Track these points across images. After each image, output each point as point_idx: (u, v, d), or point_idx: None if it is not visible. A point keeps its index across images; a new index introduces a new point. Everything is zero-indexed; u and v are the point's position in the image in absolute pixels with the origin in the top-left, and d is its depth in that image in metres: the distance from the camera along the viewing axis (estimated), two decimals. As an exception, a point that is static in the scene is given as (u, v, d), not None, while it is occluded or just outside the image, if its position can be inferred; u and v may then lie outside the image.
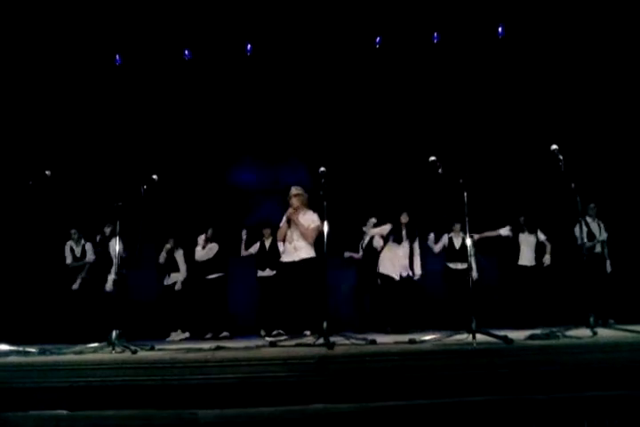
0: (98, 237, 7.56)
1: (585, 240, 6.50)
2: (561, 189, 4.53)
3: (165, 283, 7.88)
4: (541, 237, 7.21)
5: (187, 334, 7.60)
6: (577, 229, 6.54)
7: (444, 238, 7.48)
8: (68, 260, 7.73)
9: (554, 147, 4.42)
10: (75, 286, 7.52)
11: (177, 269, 7.84)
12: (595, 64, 8.21)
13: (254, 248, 7.88)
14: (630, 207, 7.78)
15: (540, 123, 8.15)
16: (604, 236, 6.96)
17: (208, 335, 7.33)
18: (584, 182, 4.42)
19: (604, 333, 3.95)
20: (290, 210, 5.25)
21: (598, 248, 7.00)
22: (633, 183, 7.78)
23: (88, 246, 7.71)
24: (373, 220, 7.43)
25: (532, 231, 7.22)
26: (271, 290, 7.35)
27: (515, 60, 8.58)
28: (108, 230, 7.43)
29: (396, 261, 6.98)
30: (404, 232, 7.00)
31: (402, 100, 8.87)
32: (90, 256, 7.66)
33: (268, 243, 7.71)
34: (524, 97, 8.50)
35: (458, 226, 7.35)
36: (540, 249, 7.19)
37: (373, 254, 7.25)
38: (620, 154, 7.95)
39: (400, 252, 7.01)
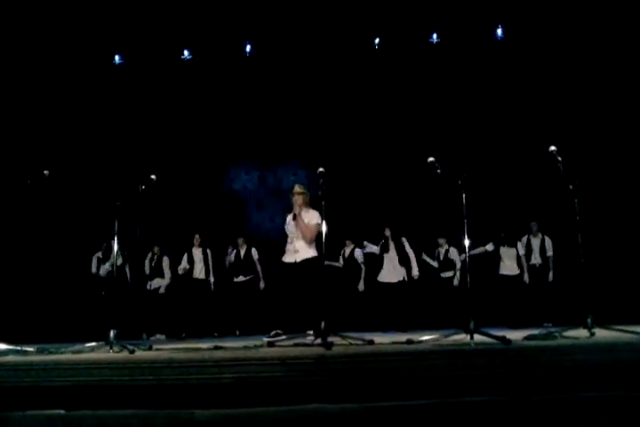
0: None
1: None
2: (559, 191, 4.53)
3: (149, 288, 8.10)
4: (521, 251, 7.79)
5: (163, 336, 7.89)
6: (520, 244, 7.73)
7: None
8: (94, 269, 8.04)
9: (552, 148, 4.42)
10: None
11: (162, 275, 8.13)
12: (593, 65, 8.22)
13: (232, 256, 8.28)
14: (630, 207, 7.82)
15: (539, 124, 8.16)
16: (550, 253, 7.75)
17: (215, 334, 7.67)
18: (582, 184, 4.42)
19: (602, 333, 3.95)
20: (297, 208, 5.21)
21: (540, 261, 7.79)
22: (633, 185, 7.80)
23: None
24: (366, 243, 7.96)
25: (512, 245, 7.76)
26: (248, 293, 8.00)
27: (513, 61, 8.59)
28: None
29: (392, 269, 7.70)
30: (390, 243, 7.75)
31: (401, 101, 8.87)
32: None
33: (242, 251, 8.16)
34: (522, 98, 8.51)
35: (443, 240, 7.99)
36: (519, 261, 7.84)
37: (354, 264, 8.09)
38: (618, 155, 7.96)
39: (393, 261, 7.71)
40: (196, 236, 8.08)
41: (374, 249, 7.79)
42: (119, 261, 7.81)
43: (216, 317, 8.02)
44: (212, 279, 8.07)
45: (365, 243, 7.88)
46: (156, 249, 8.17)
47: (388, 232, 7.75)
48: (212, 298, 8.05)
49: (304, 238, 5.18)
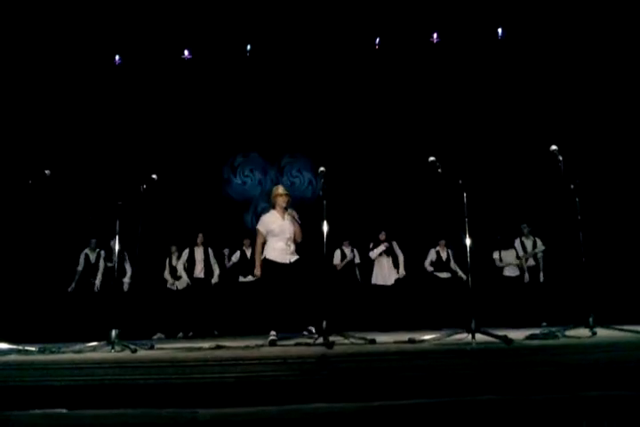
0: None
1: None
2: (560, 190, 4.53)
3: (175, 288, 8.17)
4: (520, 252, 7.96)
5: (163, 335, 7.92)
6: (516, 243, 7.91)
7: (432, 253, 8.21)
8: (80, 266, 8.02)
9: (553, 147, 4.42)
10: (70, 289, 7.91)
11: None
12: (594, 65, 8.21)
13: (235, 257, 8.39)
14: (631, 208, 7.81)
15: (540, 123, 8.15)
16: (541, 252, 7.95)
17: (215, 332, 7.80)
18: (583, 183, 4.42)
19: (603, 333, 3.95)
20: (291, 211, 5.15)
21: (532, 262, 8.00)
22: (634, 184, 7.79)
23: (103, 254, 8.05)
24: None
25: (511, 247, 7.97)
26: (253, 293, 7.92)
27: (514, 61, 8.58)
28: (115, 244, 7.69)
29: (385, 272, 7.92)
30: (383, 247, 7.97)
31: (402, 101, 8.87)
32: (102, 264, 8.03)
33: (248, 252, 8.28)
34: (523, 98, 8.51)
35: (443, 241, 8.15)
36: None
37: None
38: (619, 154, 7.95)
39: (384, 263, 7.94)
40: (200, 235, 8.13)
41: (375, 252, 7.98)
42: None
43: (215, 315, 8.03)
44: (214, 280, 8.09)
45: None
46: (173, 248, 8.20)
47: (382, 236, 7.95)
48: (211, 297, 8.06)
49: (297, 239, 5.12)
